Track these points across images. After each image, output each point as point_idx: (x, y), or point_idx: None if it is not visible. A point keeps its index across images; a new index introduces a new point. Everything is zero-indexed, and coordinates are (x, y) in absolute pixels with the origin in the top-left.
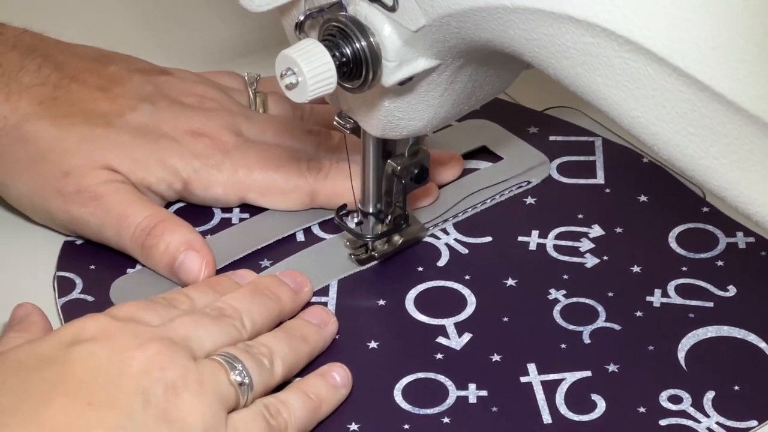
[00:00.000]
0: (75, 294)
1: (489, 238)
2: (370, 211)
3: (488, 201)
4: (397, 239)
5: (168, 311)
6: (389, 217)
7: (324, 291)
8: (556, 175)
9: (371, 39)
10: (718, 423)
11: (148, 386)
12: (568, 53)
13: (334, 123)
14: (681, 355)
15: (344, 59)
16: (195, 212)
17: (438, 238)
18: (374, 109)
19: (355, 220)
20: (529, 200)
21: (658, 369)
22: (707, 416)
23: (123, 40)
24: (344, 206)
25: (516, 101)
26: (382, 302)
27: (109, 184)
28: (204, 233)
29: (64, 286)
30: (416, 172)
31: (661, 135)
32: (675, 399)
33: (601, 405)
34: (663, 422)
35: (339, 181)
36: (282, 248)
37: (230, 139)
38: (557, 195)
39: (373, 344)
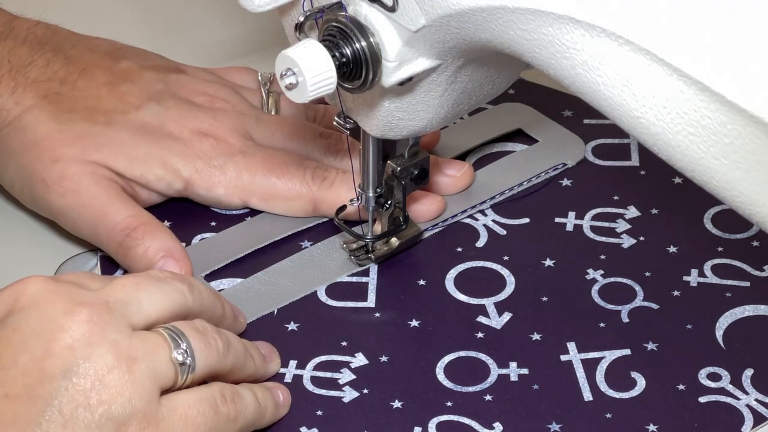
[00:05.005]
0: (117, 275)
1: (526, 220)
2: (370, 210)
3: (525, 183)
4: (395, 241)
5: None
6: (389, 204)
7: (365, 272)
8: (591, 158)
9: (371, 39)
10: (757, 400)
11: (71, 366)
12: (568, 53)
13: (334, 123)
14: (719, 334)
15: (344, 59)
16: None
17: (476, 220)
18: (374, 110)
19: (355, 204)
20: (565, 182)
21: (696, 347)
22: (746, 393)
23: (121, 40)
24: (344, 207)
25: (550, 85)
26: (422, 282)
27: (93, 177)
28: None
29: (106, 267)
30: (416, 173)
31: (661, 135)
32: (714, 377)
33: (641, 382)
34: (702, 399)
35: (343, 192)
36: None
37: (236, 142)
38: (593, 177)
39: (414, 323)
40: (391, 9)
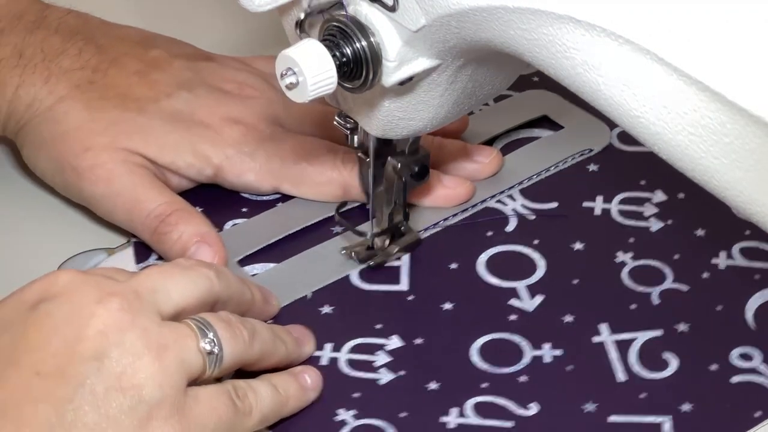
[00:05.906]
0: (151, 261)
1: (555, 204)
2: (371, 208)
3: (552, 168)
4: (393, 248)
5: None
6: (391, 210)
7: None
8: (617, 143)
9: (371, 39)
10: None
11: (104, 350)
12: (568, 53)
13: (334, 123)
14: (749, 315)
15: (344, 59)
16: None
17: (505, 205)
18: (374, 109)
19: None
20: (592, 167)
21: (727, 328)
22: None
23: None
24: (345, 203)
25: None
26: (454, 266)
27: (125, 164)
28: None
29: (140, 252)
30: (416, 169)
31: (661, 135)
32: (745, 357)
33: (674, 363)
34: (734, 379)
35: None
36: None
37: (266, 129)
38: (619, 162)
39: (447, 305)
40: (392, 9)
